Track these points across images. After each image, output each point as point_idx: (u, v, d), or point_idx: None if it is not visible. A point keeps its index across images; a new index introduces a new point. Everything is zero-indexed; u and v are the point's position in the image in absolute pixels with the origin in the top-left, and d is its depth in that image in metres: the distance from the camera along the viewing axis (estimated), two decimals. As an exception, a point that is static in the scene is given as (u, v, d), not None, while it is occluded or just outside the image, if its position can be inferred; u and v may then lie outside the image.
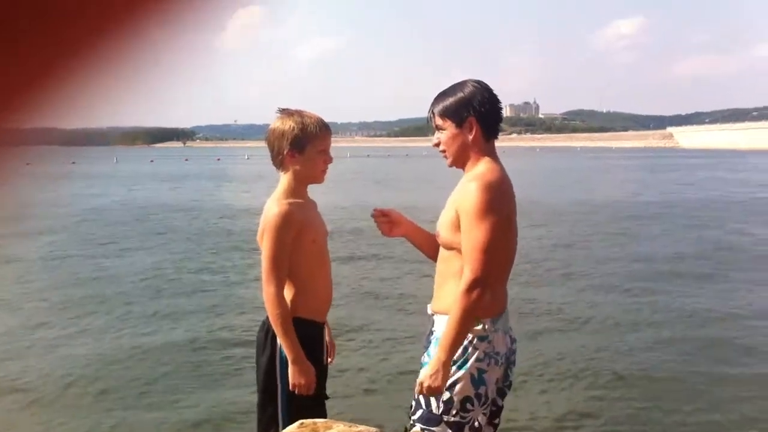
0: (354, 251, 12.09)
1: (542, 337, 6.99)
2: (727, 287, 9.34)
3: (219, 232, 15.56)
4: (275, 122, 2.85)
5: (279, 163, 2.86)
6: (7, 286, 9.65)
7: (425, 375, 2.52)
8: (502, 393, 2.78)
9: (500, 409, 2.81)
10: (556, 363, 6.23)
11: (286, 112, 2.86)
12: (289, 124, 2.80)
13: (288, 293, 2.81)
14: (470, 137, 2.61)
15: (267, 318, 2.83)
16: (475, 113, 2.59)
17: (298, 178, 2.85)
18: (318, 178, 2.90)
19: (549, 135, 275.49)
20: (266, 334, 2.82)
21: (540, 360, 6.25)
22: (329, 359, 3.08)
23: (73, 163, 69.40)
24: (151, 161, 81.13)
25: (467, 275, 2.48)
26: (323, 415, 2.79)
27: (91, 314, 8.02)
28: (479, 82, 2.67)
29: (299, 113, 2.84)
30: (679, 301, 8.49)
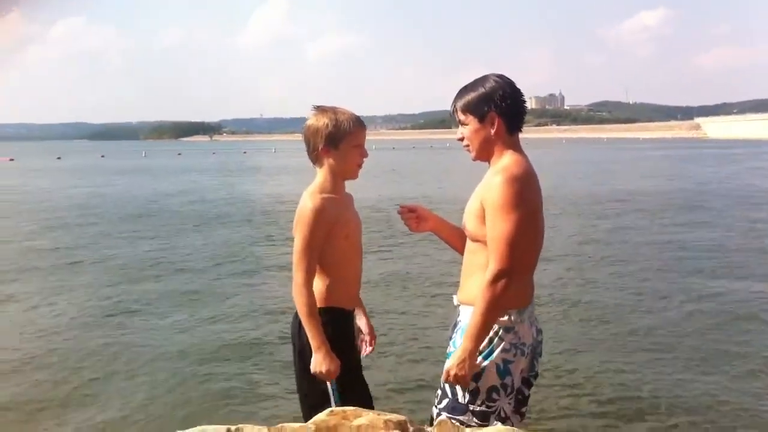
0: (379, 242, 12.13)
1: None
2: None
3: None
4: (310, 119, 2.89)
5: (314, 158, 2.91)
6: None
7: (452, 364, 2.57)
8: (528, 383, 2.80)
9: (527, 398, 2.83)
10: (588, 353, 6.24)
11: (320, 109, 2.90)
12: (323, 121, 2.84)
13: (319, 284, 2.86)
14: (492, 131, 2.64)
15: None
16: (497, 108, 2.62)
17: (333, 173, 2.89)
18: (352, 174, 2.95)
19: (575, 126, 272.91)
20: (300, 325, 2.87)
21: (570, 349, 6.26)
22: (369, 348, 3.14)
23: (102, 156, 70.11)
24: (179, 154, 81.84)
25: (492, 267, 2.51)
26: (368, 395, 2.93)
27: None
28: (501, 77, 2.69)
29: (333, 110, 2.88)
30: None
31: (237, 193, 25.44)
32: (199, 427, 2.14)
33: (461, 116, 2.71)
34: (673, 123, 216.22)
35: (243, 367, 6.03)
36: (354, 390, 2.86)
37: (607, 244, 12.45)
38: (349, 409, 2.23)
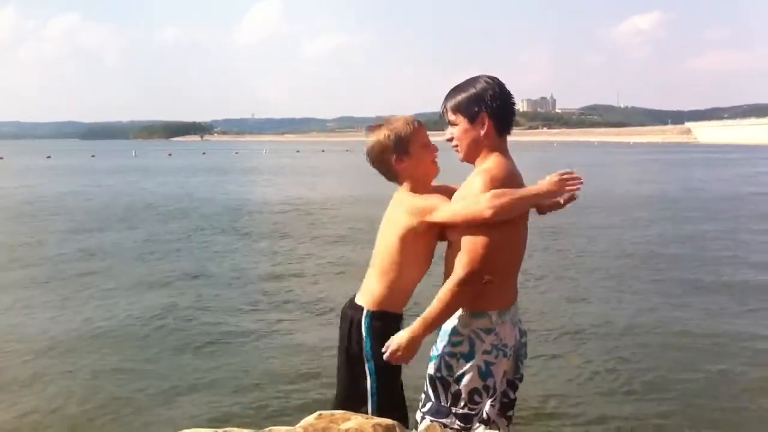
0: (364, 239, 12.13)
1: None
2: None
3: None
4: (369, 139, 2.84)
5: (392, 175, 2.84)
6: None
7: (396, 342, 2.57)
8: (513, 386, 2.79)
9: (513, 401, 2.82)
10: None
11: (374, 128, 2.85)
12: (383, 134, 2.79)
13: (382, 286, 2.81)
14: (482, 132, 2.62)
15: (349, 308, 2.87)
16: (487, 109, 2.60)
17: (414, 181, 2.82)
18: (432, 172, 2.86)
19: (566, 129, 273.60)
20: (350, 325, 2.84)
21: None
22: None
23: (93, 156, 69.86)
24: (169, 155, 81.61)
25: (463, 265, 2.48)
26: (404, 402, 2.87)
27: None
28: (492, 78, 2.66)
29: (386, 121, 2.84)
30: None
31: (237, 195, 25.38)
32: (185, 431, 2.12)
33: (451, 116, 2.68)
34: (664, 127, 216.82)
35: (230, 365, 6.03)
36: (394, 394, 2.85)
37: (587, 246, 12.49)
38: (338, 412, 2.21)
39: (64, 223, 16.45)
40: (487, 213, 2.42)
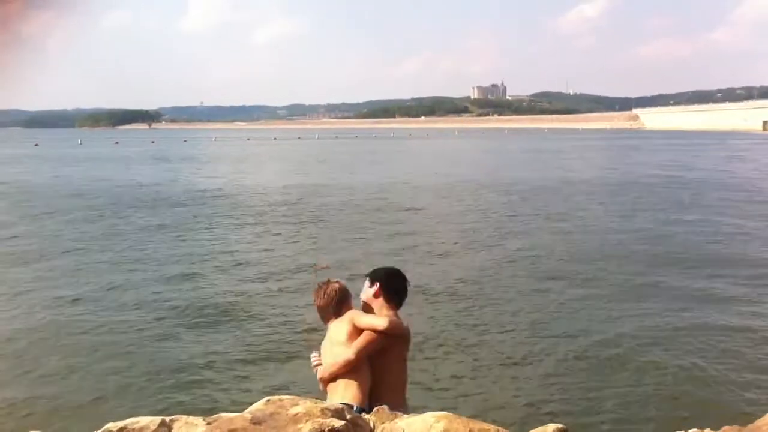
0: (320, 231, 12.12)
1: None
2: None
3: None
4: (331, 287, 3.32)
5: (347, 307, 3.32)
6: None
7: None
8: None
9: None
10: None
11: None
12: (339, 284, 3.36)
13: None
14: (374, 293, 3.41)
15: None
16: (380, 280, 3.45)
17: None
18: None
19: (516, 116, 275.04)
20: None
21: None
22: None
23: (36, 144, 68.12)
24: (116, 143, 79.92)
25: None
26: None
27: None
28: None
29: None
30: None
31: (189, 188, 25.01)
32: (132, 418, 2.10)
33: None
34: (612, 114, 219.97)
35: (178, 353, 5.99)
36: None
37: (523, 228, 12.71)
38: (286, 397, 2.21)
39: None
40: (384, 324, 3.17)
